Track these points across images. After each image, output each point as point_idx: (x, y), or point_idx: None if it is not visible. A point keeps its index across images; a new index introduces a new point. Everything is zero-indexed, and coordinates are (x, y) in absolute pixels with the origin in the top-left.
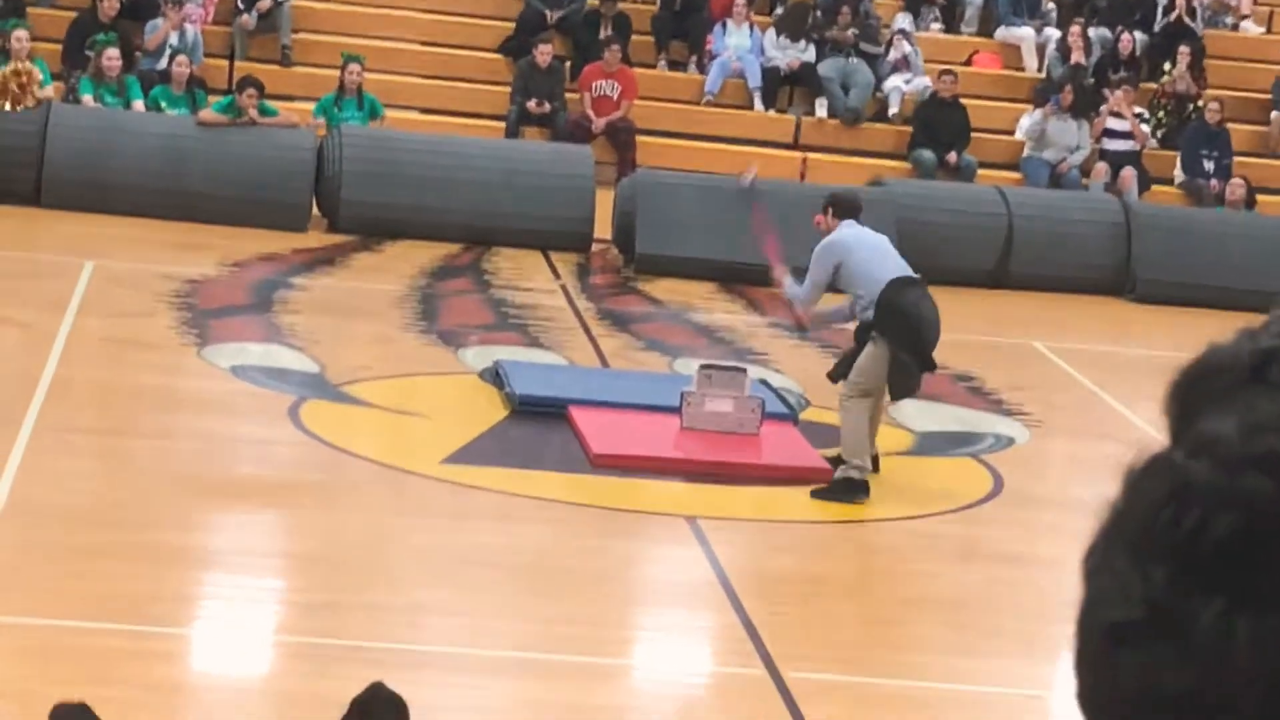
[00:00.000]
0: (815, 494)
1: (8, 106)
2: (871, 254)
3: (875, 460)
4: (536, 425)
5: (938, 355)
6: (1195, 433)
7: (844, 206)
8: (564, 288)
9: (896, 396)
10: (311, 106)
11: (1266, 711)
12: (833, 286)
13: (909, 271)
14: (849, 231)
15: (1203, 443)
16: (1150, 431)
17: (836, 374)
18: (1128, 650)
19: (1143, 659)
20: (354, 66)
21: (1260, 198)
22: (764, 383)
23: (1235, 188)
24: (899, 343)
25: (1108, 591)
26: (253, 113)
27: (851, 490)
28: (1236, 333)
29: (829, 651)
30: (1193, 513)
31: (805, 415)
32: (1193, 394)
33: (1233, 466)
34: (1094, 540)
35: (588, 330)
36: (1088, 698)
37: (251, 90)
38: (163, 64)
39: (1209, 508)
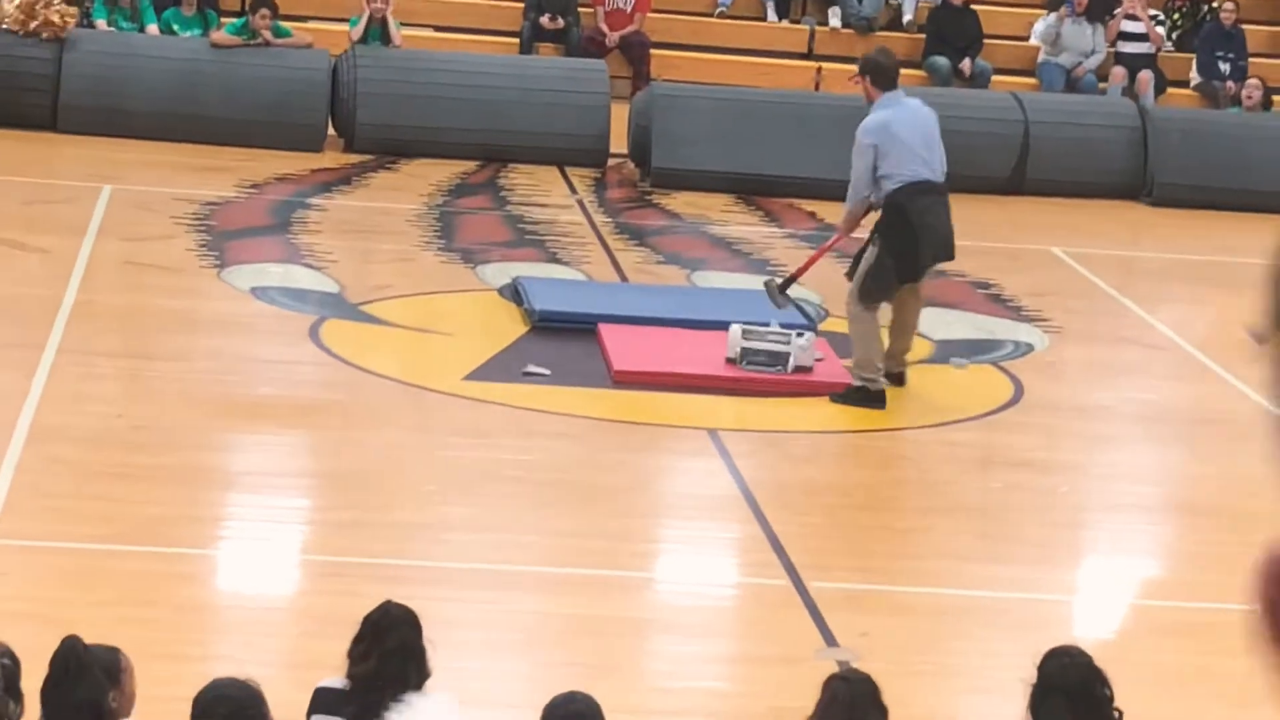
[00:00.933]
0: (834, 398)
1: (43, 34)
2: (908, 153)
3: (900, 375)
4: (557, 341)
5: (954, 265)
6: None
7: (882, 73)
8: (581, 202)
9: (867, 300)
10: (325, 26)
11: None
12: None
13: (933, 174)
14: (887, 114)
15: None
16: (1170, 334)
17: (851, 272)
18: None
19: None
20: None
21: (1277, 98)
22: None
23: (1252, 89)
24: (889, 246)
25: None
26: (266, 34)
27: (867, 399)
28: None
29: (851, 560)
30: None
31: (825, 326)
32: None
33: None
34: None
35: (605, 245)
36: None
37: (265, 11)
38: None
39: None
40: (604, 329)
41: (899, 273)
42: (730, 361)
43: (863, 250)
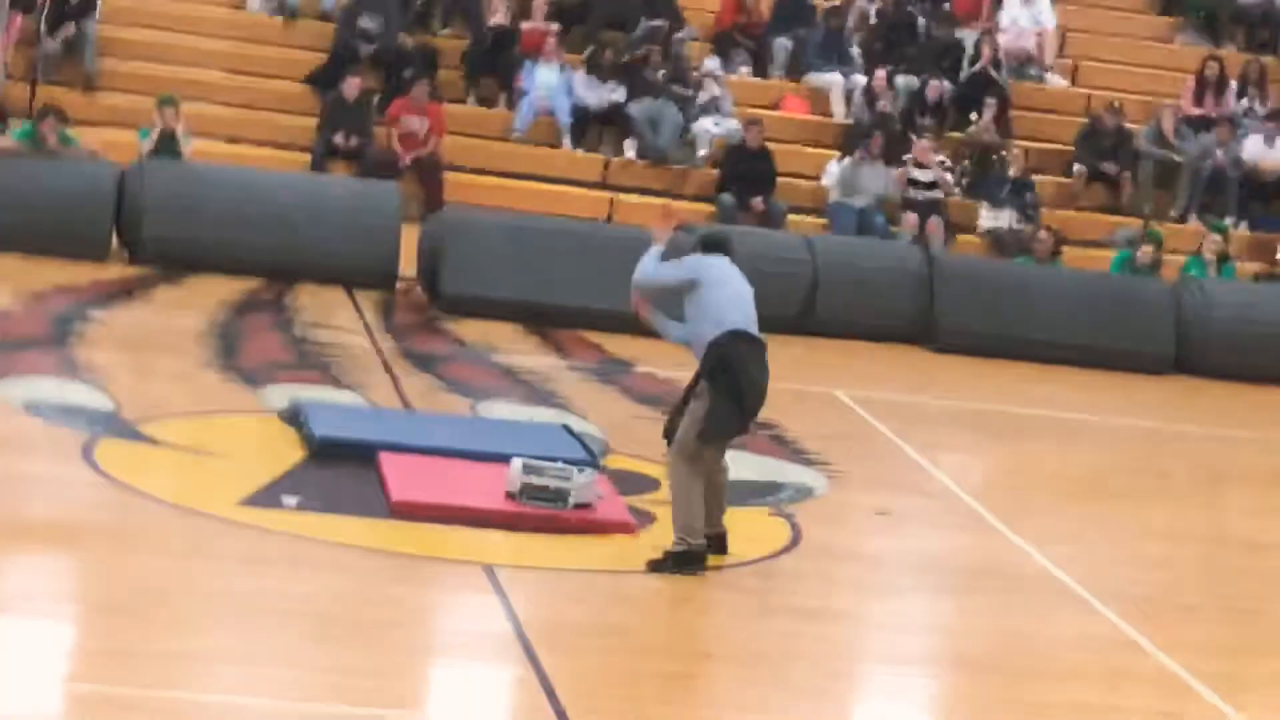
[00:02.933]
0: (651, 565)
1: None
2: (730, 298)
3: (722, 539)
4: (335, 468)
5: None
6: None
7: (712, 242)
8: (367, 326)
9: (706, 439)
10: (114, 134)
11: None
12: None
13: (752, 329)
14: (716, 263)
15: None
16: (948, 482)
17: (667, 431)
18: None
19: None
20: (169, 111)
21: (1065, 249)
22: (566, 428)
23: (1043, 239)
24: (720, 391)
25: None
26: (53, 141)
27: (688, 561)
28: None
29: (624, 706)
30: None
31: (608, 461)
32: None
33: None
34: None
35: (390, 370)
36: None
37: (52, 119)
38: None
39: None
40: (384, 457)
41: (741, 417)
42: (510, 496)
43: (683, 404)
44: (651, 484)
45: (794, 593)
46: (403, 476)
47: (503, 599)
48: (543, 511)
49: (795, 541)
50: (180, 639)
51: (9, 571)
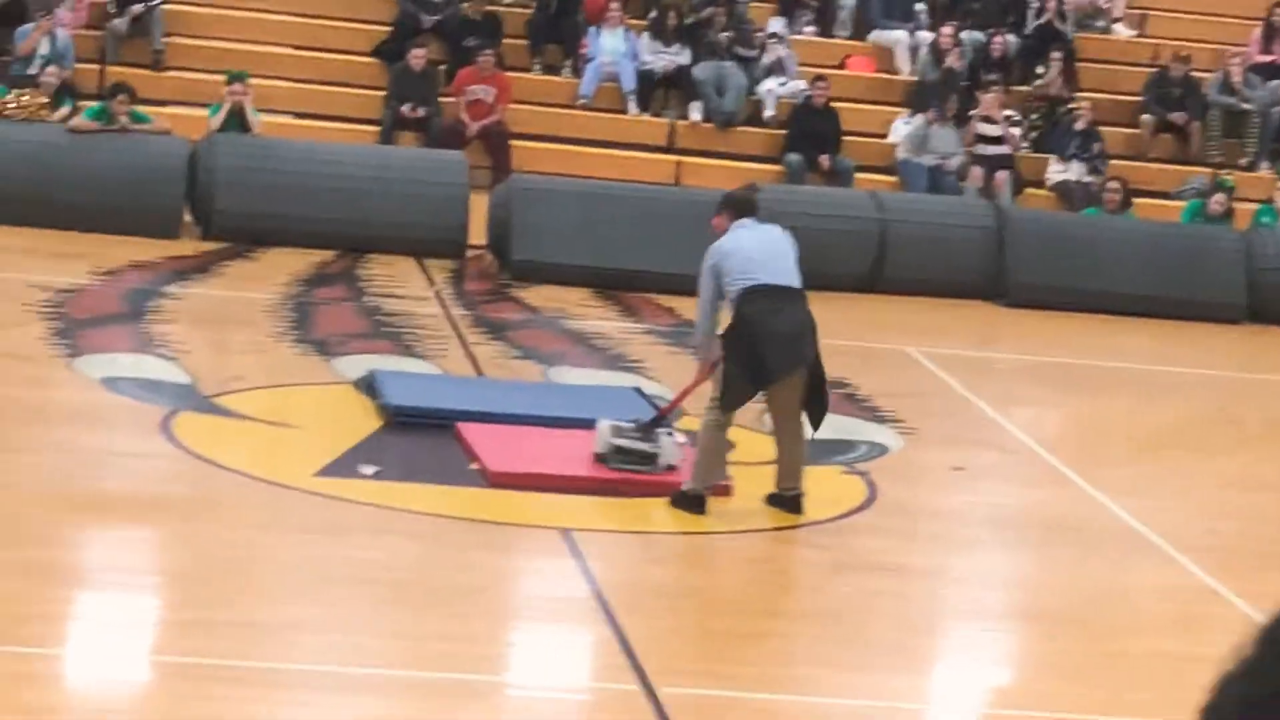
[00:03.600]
0: (670, 501)
1: None
2: (745, 262)
3: (796, 500)
4: (410, 436)
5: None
6: None
7: (737, 205)
8: (438, 295)
9: (725, 407)
10: (184, 111)
11: None
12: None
13: (778, 279)
14: (731, 236)
15: None
16: (1022, 437)
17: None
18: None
19: None
20: (237, 86)
21: (1136, 200)
22: (637, 390)
23: (1112, 190)
24: (734, 354)
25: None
26: (124, 119)
27: (686, 503)
28: None
29: (703, 666)
30: None
31: (682, 424)
32: None
33: None
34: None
35: (462, 338)
36: None
37: (123, 97)
38: (34, 69)
39: None
40: (464, 428)
41: (752, 379)
42: (599, 459)
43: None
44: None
45: (871, 550)
46: (494, 448)
47: (580, 562)
48: (642, 476)
49: (871, 499)
50: (262, 609)
51: (92, 545)
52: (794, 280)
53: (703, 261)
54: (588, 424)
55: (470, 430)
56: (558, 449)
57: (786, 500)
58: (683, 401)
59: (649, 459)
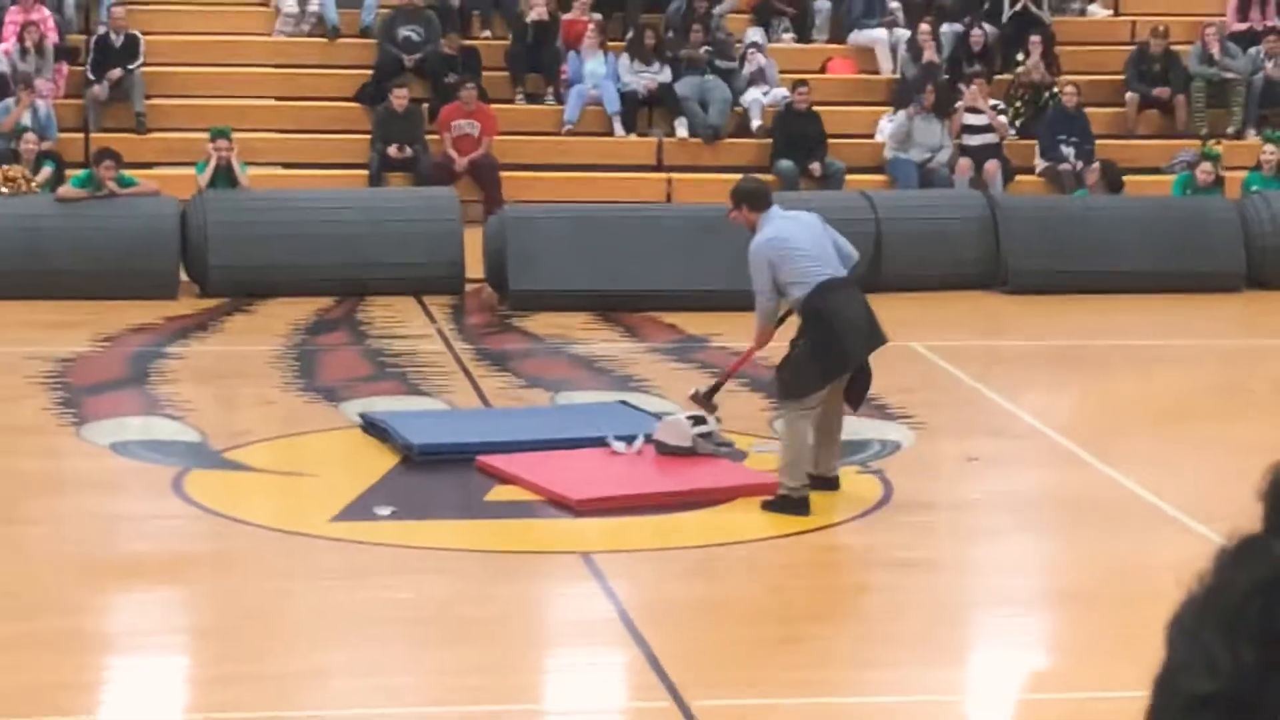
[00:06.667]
0: (764, 505)
1: None
2: (802, 257)
3: (832, 481)
4: (422, 474)
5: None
6: None
7: (755, 196)
8: (440, 331)
9: (798, 395)
10: (170, 172)
11: None
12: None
13: (835, 270)
14: (771, 228)
15: None
16: (1034, 422)
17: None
18: (1207, 718)
19: None
20: (222, 142)
21: (1125, 179)
22: (623, 403)
23: (1092, 172)
24: (813, 348)
25: (1193, 663)
26: (111, 184)
27: (789, 507)
28: None
29: (735, 675)
30: None
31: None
32: None
33: None
34: (1181, 609)
35: (468, 372)
36: None
37: (109, 162)
38: (16, 144)
39: None
40: (499, 461)
41: (826, 370)
42: (685, 451)
43: (786, 360)
44: (738, 454)
45: (893, 546)
46: (554, 478)
47: (603, 584)
48: (711, 487)
49: (888, 496)
50: (293, 659)
51: (117, 610)
52: (842, 269)
53: (751, 257)
54: (598, 441)
55: (507, 463)
56: (619, 468)
57: (829, 480)
58: (740, 369)
59: (727, 442)
